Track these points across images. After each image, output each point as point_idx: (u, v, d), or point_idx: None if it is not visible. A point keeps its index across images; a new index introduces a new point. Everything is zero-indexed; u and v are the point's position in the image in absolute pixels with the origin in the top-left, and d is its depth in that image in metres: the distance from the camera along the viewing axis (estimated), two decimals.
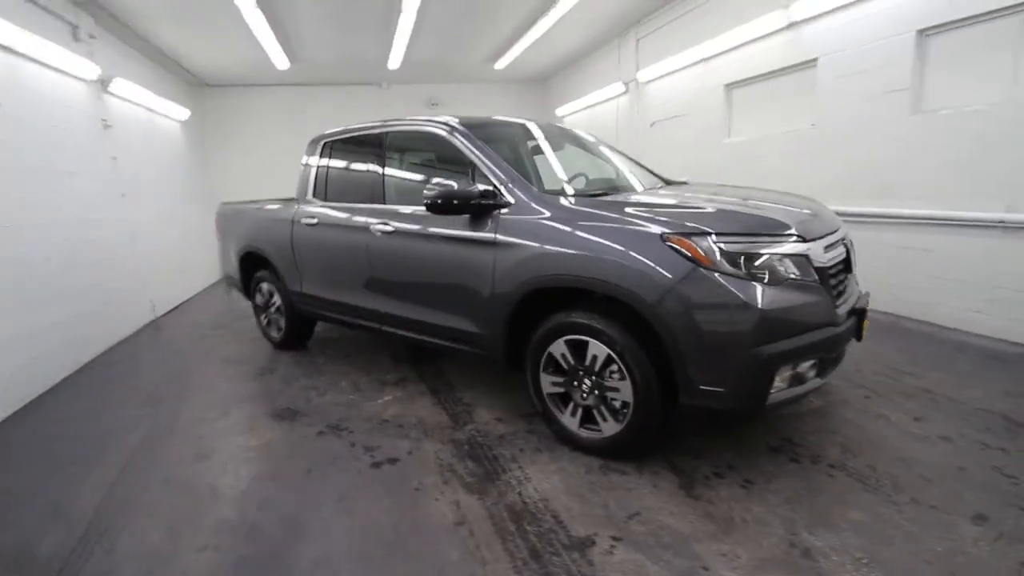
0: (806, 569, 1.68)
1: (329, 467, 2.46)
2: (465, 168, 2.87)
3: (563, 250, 2.24)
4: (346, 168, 3.57)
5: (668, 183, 3.39)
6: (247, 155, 9.22)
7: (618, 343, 2.14)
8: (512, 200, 2.50)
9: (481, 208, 2.54)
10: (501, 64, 8.40)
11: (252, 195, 5.18)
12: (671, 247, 1.99)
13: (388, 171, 3.20)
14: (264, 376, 3.77)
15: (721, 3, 5.48)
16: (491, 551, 1.84)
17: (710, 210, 2.28)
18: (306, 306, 3.87)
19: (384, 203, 3.16)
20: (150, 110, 6.38)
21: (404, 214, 2.98)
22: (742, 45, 5.28)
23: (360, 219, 3.21)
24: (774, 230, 2.07)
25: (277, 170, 9.13)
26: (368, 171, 3.29)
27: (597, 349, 2.23)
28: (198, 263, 7.88)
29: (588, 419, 2.38)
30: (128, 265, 5.25)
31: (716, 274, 1.93)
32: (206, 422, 3.08)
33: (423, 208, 2.83)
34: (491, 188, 2.55)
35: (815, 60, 4.56)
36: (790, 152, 4.97)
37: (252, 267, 4.42)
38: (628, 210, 2.25)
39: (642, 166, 3.60)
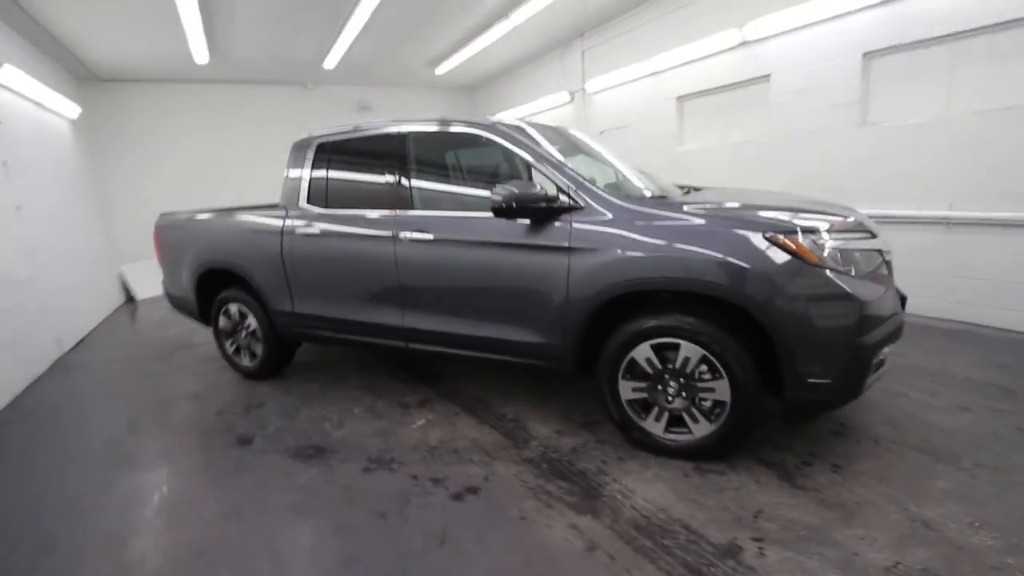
0: (937, 540, 1.79)
1: (404, 507, 2.17)
2: (506, 171, 2.73)
3: (660, 253, 2.19)
4: (354, 171, 3.22)
5: (685, 190, 3.48)
6: (153, 161, 8.02)
7: (717, 343, 2.15)
8: (582, 203, 2.41)
9: (550, 212, 2.42)
10: (443, 69, 8.21)
11: (163, 206, 4.41)
12: (777, 245, 2.03)
13: (416, 175, 2.93)
14: (254, 412, 3.25)
15: (673, 21, 5.84)
16: (643, 572, 1.73)
17: (789, 209, 2.35)
18: (298, 327, 3.42)
19: (413, 209, 2.89)
20: (39, 105, 5.30)
21: (445, 220, 2.75)
22: (695, 60, 5.66)
23: (384, 227, 2.91)
24: (853, 227, 2.21)
25: (194, 178, 8.13)
26: (387, 174, 2.99)
27: (690, 351, 2.21)
28: (99, 287, 6.69)
29: (672, 422, 2.36)
30: (27, 292, 4.29)
31: (822, 270, 2.01)
32: (211, 473, 2.58)
33: (470, 213, 2.69)
34: (557, 191, 2.44)
35: (768, 76, 5.02)
36: (743, 160, 5.41)
37: (213, 287, 3.84)
38: (708, 211, 2.27)
39: (645, 173, 3.67)
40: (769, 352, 2.13)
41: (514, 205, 2.37)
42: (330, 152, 3.26)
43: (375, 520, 2.10)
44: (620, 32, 6.62)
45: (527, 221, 2.49)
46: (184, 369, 4.24)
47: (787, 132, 4.94)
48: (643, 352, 2.32)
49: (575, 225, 2.39)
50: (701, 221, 2.21)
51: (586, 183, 2.47)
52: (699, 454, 2.34)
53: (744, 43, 5.12)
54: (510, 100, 9.20)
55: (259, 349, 3.70)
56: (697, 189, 3.50)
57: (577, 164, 3.02)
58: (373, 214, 2.99)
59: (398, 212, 2.91)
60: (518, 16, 5.98)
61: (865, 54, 4.26)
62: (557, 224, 2.43)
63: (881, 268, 2.23)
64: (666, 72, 6.09)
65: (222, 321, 3.83)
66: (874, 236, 2.25)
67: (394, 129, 3.02)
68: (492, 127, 2.74)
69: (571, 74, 7.61)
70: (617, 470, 2.34)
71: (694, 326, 2.18)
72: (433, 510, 2.14)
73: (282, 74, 8.18)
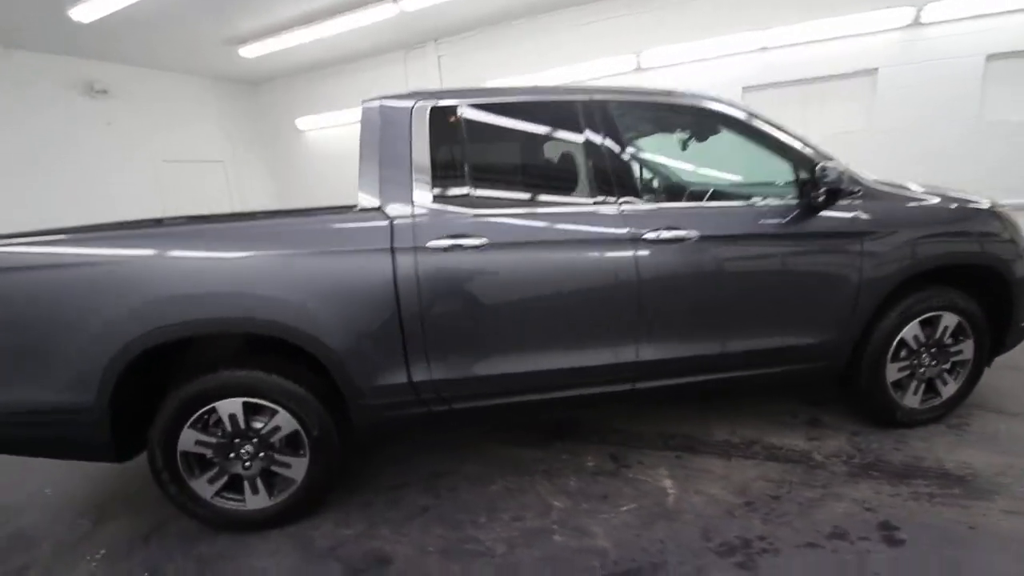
0: None
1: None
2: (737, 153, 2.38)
3: (941, 231, 2.30)
4: (522, 152, 2.17)
5: None
6: None
7: (969, 307, 2.39)
8: (859, 188, 2.29)
9: (841, 195, 2.22)
10: (252, 52, 6.23)
11: None
12: (998, 218, 2.42)
13: (634, 158, 2.19)
14: None
15: (564, 39, 6.04)
16: None
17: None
18: (425, 406, 2.07)
19: (641, 202, 2.15)
20: None
21: (710, 212, 2.18)
22: (593, 80, 6.01)
23: (612, 227, 2.07)
24: None
25: None
26: (591, 157, 2.13)
27: (949, 320, 2.39)
28: None
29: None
30: None
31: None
32: None
33: (745, 202, 2.30)
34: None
35: None
36: None
37: (156, 379, 1.97)
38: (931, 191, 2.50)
39: None
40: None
41: (843, 188, 2.13)
42: (463, 123, 2.11)
43: None
44: (492, 43, 6.46)
45: (786, 209, 2.23)
46: (59, 559, 1.96)
47: None
48: (912, 330, 2.37)
49: (863, 207, 2.26)
50: (946, 201, 2.42)
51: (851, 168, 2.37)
52: (943, 414, 2.53)
53: (639, 68, 5.75)
54: (323, 102, 7.71)
55: (295, 469, 2.04)
56: None
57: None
58: (585, 211, 2.10)
59: (624, 207, 2.12)
60: (409, 4, 5.13)
61: (744, 87, 5.42)
62: (836, 208, 2.24)
63: None
64: None
65: (190, 439, 1.95)
66: None
67: (583, 96, 2.19)
68: (734, 103, 2.33)
69: (423, 79, 6.94)
70: (921, 451, 2.31)
71: (956, 296, 2.38)
72: (905, 562, 1.67)
73: None
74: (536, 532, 1.97)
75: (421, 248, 1.96)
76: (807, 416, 2.71)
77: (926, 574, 1.65)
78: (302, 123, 7.88)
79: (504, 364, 2.08)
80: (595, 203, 2.12)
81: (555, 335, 2.10)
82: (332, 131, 7.86)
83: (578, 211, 2.12)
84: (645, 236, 2.08)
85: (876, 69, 4.84)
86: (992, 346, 2.52)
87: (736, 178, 2.81)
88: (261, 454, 2.02)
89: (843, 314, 2.28)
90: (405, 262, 1.95)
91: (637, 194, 2.17)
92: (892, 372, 2.41)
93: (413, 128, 2.07)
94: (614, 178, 2.14)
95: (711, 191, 2.51)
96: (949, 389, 2.49)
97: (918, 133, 4.77)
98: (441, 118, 2.10)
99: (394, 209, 2.01)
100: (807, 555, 1.75)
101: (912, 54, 4.66)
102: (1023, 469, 2.11)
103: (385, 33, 6.39)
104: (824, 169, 2.08)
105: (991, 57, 4.43)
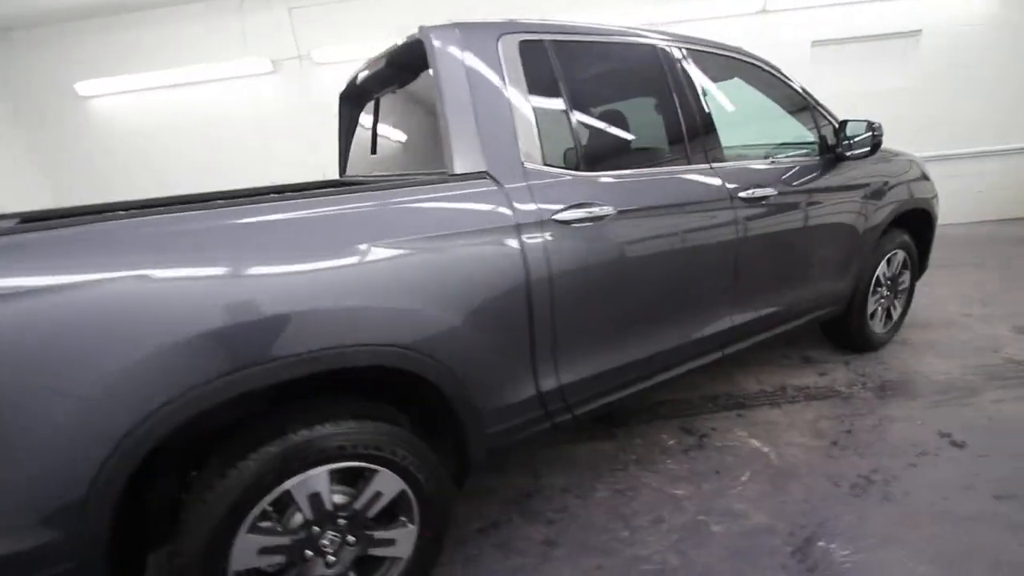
0: None
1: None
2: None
3: (912, 183, 2.72)
4: (618, 104, 1.81)
5: None
6: None
7: (909, 245, 2.91)
8: None
9: None
10: None
11: None
12: (922, 165, 2.97)
13: (710, 113, 2.03)
14: None
15: None
16: None
17: None
18: (547, 417, 1.68)
19: (729, 161, 2.05)
20: None
21: (776, 169, 2.18)
22: None
23: (712, 190, 1.92)
24: None
25: None
26: (674, 110, 1.94)
27: (899, 256, 2.87)
28: None
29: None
30: None
31: None
32: None
33: (792, 158, 2.35)
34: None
35: None
36: None
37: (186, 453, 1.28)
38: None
39: None
40: None
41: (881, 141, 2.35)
42: (560, 65, 1.70)
43: None
44: None
45: (826, 163, 2.41)
46: None
47: None
48: (882, 268, 2.79)
49: (875, 161, 2.54)
50: (902, 154, 2.86)
51: None
52: (895, 335, 3.07)
53: None
54: (118, 59, 5.73)
55: (401, 545, 1.47)
56: None
57: None
58: (694, 171, 1.93)
59: (714, 165, 1.98)
60: None
61: None
62: (869, 161, 2.50)
63: None
64: None
65: (250, 549, 1.25)
66: None
67: (662, 42, 1.97)
68: (760, 58, 2.36)
69: (275, 36, 5.67)
70: (900, 366, 2.76)
71: (903, 235, 2.87)
72: (984, 462, 1.96)
73: None
74: (691, 529, 1.79)
75: (548, 222, 1.54)
76: (797, 356, 3.01)
77: (1003, 464, 1.95)
78: (86, 87, 5.75)
79: (630, 351, 1.83)
80: (698, 162, 1.96)
81: (676, 309, 1.94)
82: (133, 98, 5.94)
83: (689, 171, 1.93)
84: (741, 195, 2.00)
85: None
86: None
87: (771, 135, 2.93)
88: (351, 538, 1.40)
89: (851, 261, 2.57)
90: (533, 242, 1.51)
91: (723, 152, 2.07)
92: (871, 305, 2.81)
93: (504, 66, 1.60)
94: (707, 136, 2.01)
95: (755, 148, 2.57)
96: (897, 313, 3.02)
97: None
98: (533, 55, 1.66)
99: (503, 174, 1.53)
100: (920, 474, 1.93)
101: (761, 37, 5.47)
102: (976, 366, 2.68)
103: None
104: (850, 125, 2.29)
105: (815, 43, 5.46)
